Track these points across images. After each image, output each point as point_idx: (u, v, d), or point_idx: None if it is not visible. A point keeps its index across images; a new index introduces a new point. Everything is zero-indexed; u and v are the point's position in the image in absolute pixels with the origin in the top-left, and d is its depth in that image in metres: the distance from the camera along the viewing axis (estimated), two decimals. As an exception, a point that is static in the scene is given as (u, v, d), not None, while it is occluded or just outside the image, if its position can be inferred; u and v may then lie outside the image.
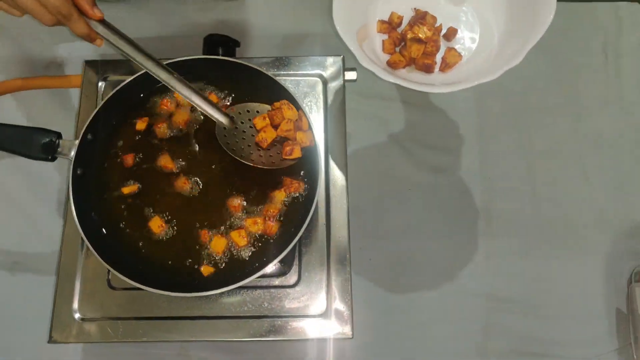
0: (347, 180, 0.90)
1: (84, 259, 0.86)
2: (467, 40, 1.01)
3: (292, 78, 0.94)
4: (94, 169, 0.84)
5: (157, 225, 0.81)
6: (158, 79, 0.76)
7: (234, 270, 0.79)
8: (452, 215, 0.98)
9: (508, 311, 0.93)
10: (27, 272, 0.94)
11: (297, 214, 0.82)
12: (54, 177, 0.99)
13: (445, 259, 0.96)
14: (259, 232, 0.81)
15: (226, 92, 0.88)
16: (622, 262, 0.96)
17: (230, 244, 0.80)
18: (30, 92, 1.02)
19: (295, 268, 0.85)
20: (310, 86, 0.95)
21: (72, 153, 0.80)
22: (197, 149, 0.86)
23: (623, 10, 1.12)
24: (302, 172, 0.84)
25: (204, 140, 0.86)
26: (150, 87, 0.88)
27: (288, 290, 0.84)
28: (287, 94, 0.83)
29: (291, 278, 0.85)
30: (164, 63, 0.77)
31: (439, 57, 0.96)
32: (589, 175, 1.01)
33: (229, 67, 0.86)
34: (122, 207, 0.83)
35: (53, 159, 0.80)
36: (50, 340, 0.82)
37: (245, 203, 0.82)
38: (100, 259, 0.76)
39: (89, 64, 0.97)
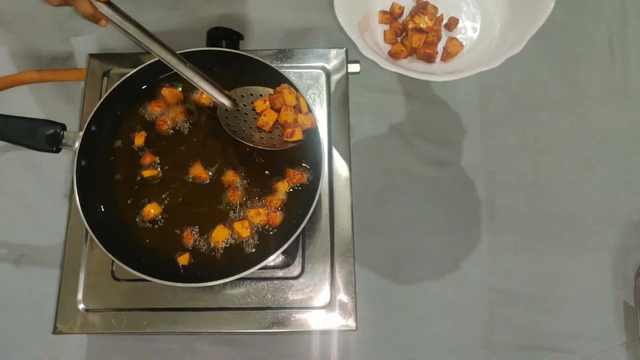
0: (350, 171, 0.90)
1: (88, 250, 0.87)
2: (468, 29, 1.01)
3: (295, 70, 0.95)
4: (99, 160, 0.85)
5: (155, 213, 0.82)
6: (160, 58, 0.76)
7: (237, 261, 0.79)
8: (455, 208, 0.98)
9: (512, 305, 0.93)
10: (32, 264, 0.95)
11: (300, 205, 0.81)
12: (59, 170, 0.99)
13: (448, 253, 0.95)
14: (262, 223, 0.81)
15: (229, 84, 0.88)
16: (629, 255, 0.95)
17: (233, 235, 0.80)
18: (35, 86, 1.02)
19: (298, 260, 0.85)
20: (314, 78, 0.95)
21: (77, 144, 0.80)
22: (200, 140, 0.86)
23: (629, 0, 1.11)
24: (304, 163, 0.84)
25: (207, 131, 0.87)
26: (155, 79, 0.88)
27: (291, 282, 0.84)
28: (289, 82, 0.83)
29: (295, 270, 0.85)
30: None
31: (440, 47, 0.96)
32: (594, 168, 1.01)
33: (231, 59, 0.86)
34: (127, 198, 0.84)
35: (58, 151, 0.81)
36: (55, 331, 0.82)
37: (247, 194, 0.82)
38: (104, 250, 0.76)
39: (94, 57, 0.97)
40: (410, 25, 0.97)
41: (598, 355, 0.91)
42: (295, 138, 0.81)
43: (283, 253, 0.83)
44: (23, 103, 1.03)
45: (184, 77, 0.79)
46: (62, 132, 0.80)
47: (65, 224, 0.88)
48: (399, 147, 1.01)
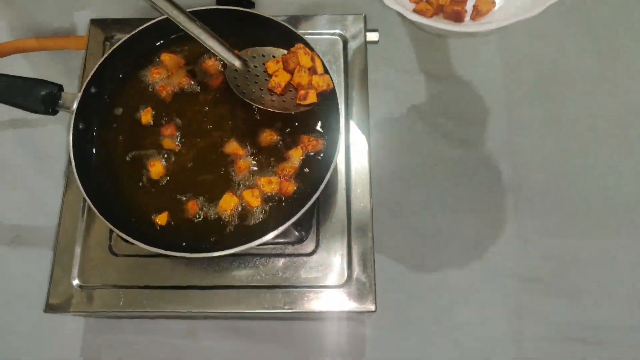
0: (369, 143, 0.84)
1: (85, 223, 0.80)
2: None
3: (309, 37, 0.87)
4: (100, 125, 0.79)
5: (159, 174, 0.76)
6: (167, 15, 0.71)
7: (245, 232, 0.73)
8: (479, 191, 0.93)
9: (543, 294, 0.87)
10: (28, 245, 0.90)
11: (315, 174, 0.75)
12: (58, 150, 0.94)
13: (472, 238, 0.90)
14: (274, 192, 0.74)
15: (240, 46, 0.82)
16: (669, 240, 0.89)
17: (242, 204, 0.74)
18: (33, 57, 0.98)
19: (312, 235, 0.79)
20: (330, 45, 0.89)
21: (75, 106, 0.75)
22: (208, 104, 0.80)
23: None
24: (319, 126, 0.78)
25: (214, 97, 0.81)
26: (160, 39, 0.83)
27: (305, 258, 0.77)
28: (304, 42, 0.77)
29: (308, 246, 0.78)
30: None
31: (470, 5, 0.89)
32: (630, 148, 0.95)
33: (243, 19, 0.81)
34: (129, 165, 0.77)
35: (54, 112, 0.75)
36: (47, 308, 0.76)
37: (257, 161, 0.76)
38: (102, 217, 0.70)
39: (95, 22, 0.92)
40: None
41: (637, 347, 0.84)
42: (308, 101, 0.75)
43: (296, 227, 0.77)
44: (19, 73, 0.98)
45: (193, 35, 0.74)
46: (59, 93, 0.75)
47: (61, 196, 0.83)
48: (418, 126, 0.97)
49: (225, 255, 0.68)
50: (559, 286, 0.87)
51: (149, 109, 0.80)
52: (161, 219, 0.73)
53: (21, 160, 0.96)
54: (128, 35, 0.79)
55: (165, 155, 0.77)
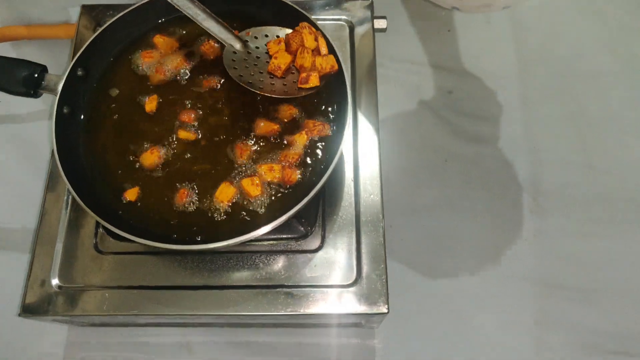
0: (377, 132, 0.78)
1: (68, 218, 0.74)
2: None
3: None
4: (87, 110, 0.73)
5: (153, 162, 0.70)
6: None
7: (242, 224, 0.66)
8: (494, 189, 0.88)
9: (565, 299, 0.82)
10: (6, 244, 0.85)
11: (320, 161, 0.69)
12: (43, 144, 0.89)
13: (488, 239, 0.85)
14: (276, 180, 0.68)
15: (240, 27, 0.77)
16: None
17: (240, 193, 0.67)
18: (24, 45, 0.94)
19: (318, 230, 0.72)
20: (336, 30, 0.84)
21: (59, 88, 0.69)
22: (203, 88, 0.75)
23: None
24: (325, 110, 0.72)
25: (213, 81, 0.75)
26: (154, 21, 0.78)
27: (309, 255, 0.70)
28: (309, 21, 0.72)
29: (313, 242, 0.71)
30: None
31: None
32: (652, 144, 0.91)
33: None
34: (119, 154, 0.71)
35: (36, 95, 0.69)
36: (22, 312, 0.68)
37: (257, 148, 0.70)
38: (87, 209, 0.63)
39: (86, 8, 0.87)
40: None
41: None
42: (310, 84, 0.69)
43: (299, 220, 0.70)
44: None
45: (188, 15, 0.68)
46: (42, 74, 0.69)
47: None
48: (429, 122, 0.93)
49: (221, 252, 0.61)
50: (582, 291, 0.82)
51: (155, 96, 0.74)
52: (131, 193, 0.68)
53: (8, 159, 0.91)
54: (119, 15, 0.74)
55: (158, 144, 0.71)
